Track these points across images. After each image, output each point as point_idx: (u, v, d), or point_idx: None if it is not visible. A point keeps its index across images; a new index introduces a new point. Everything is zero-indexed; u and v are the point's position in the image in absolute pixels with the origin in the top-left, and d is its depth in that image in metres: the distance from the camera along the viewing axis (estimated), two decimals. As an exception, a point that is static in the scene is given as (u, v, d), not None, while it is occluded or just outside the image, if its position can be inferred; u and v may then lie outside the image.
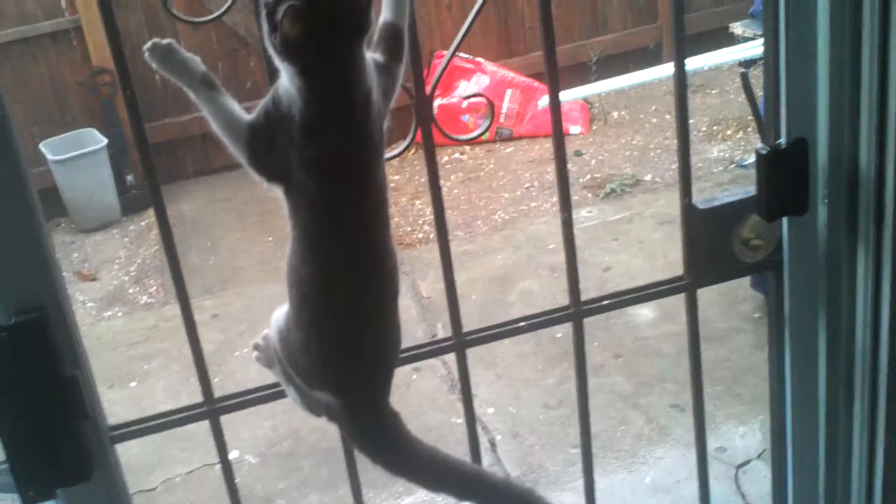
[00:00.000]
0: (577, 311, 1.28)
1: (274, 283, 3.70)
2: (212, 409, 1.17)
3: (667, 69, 4.68)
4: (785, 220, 1.26)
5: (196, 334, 1.16)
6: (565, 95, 5.06)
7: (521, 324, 1.28)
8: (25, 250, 0.98)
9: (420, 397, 3.11)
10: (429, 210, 4.57)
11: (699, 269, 1.30)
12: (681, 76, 1.23)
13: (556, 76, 1.18)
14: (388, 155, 1.09)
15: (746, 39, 3.39)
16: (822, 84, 1.19)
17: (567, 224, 1.25)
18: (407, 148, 1.25)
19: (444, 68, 1.31)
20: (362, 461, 3.14)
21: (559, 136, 1.22)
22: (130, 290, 4.29)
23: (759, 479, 2.35)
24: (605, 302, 1.31)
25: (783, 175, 1.21)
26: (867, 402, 1.28)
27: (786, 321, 1.31)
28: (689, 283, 1.30)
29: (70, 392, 1.01)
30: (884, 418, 1.26)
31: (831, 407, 1.33)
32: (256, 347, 1.17)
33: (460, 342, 1.23)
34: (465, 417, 1.32)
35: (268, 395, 1.20)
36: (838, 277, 1.26)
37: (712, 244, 1.28)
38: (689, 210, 1.27)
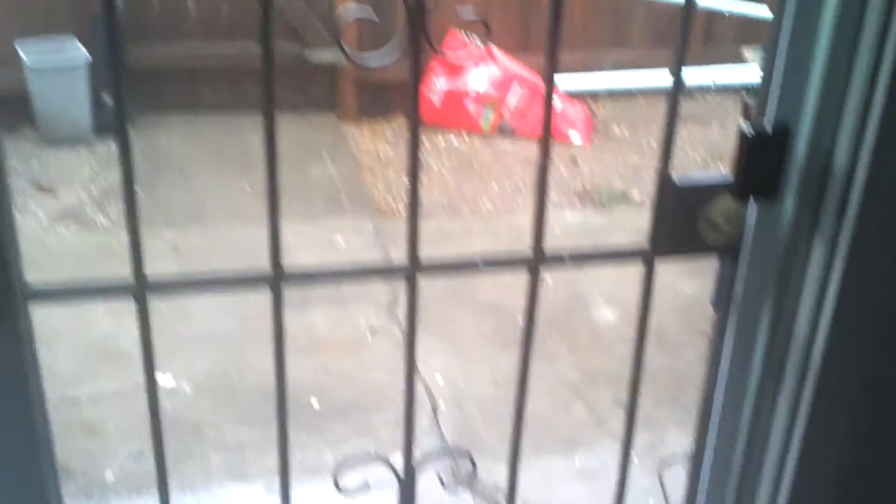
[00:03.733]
0: (536, 259, 1.29)
1: (243, 227, 3.70)
2: (140, 283, 1.16)
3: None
4: (752, 206, 1.28)
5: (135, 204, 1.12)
6: (563, 86, 5.08)
7: (478, 262, 1.29)
8: None
9: (373, 358, 3.13)
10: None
11: (662, 241, 1.32)
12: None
13: (553, 65, 1.17)
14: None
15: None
16: (815, 78, 1.21)
17: (542, 171, 1.27)
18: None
19: None
20: (300, 404, 3.17)
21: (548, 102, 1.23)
22: (89, 210, 4.20)
23: (683, 478, 2.40)
24: (566, 256, 1.32)
25: (762, 159, 1.23)
26: (793, 396, 1.31)
27: (732, 308, 1.33)
28: (649, 252, 1.32)
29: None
30: (805, 414, 1.29)
31: (759, 398, 1.36)
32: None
33: (413, 268, 1.24)
34: (406, 350, 1.33)
35: (199, 283, 1.19)
36: (791, 271, 1.29)
37: (680, 219, 1.31)
38: (664, 181, 1.29)
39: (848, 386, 1.31)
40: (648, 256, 1.33)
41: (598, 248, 1.37)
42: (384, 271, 1.24)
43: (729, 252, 1.33)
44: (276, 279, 1.19)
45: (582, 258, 1.35)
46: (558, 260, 1.32)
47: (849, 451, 1.36)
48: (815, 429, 1.32)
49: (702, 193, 1.28)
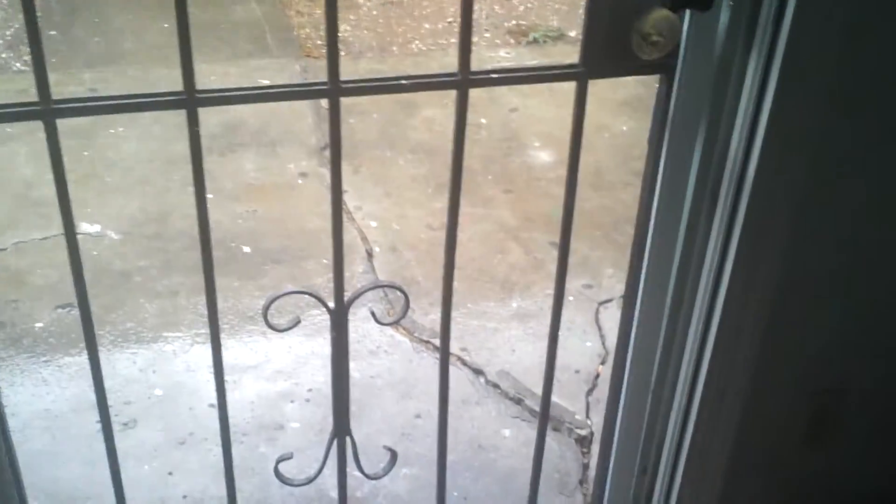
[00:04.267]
0: (463, 79, 1.23)
1: (161, 68, 3.54)
2: (47, 108, 1.08)
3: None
4: (686, 20, 1.23)
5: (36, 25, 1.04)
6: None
7: (403, 81, 1.23)
8: None
9: (304, 203, 3.07)
10: (344, 26, 4.42)
11: (594, 60, 1.26)
12: None
13: None
14: None
15: None
16: None
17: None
18: None
19: None
20: (231, 251, 3.10)
21: None
22: (3, 55, 4.00)
23: (618, 316, 2.45)
24: (494, 75, 1.27)
25: (695, -33, 1.17)
26: (728, 212, 1.30)
27: (667, 125, 1.30)
28: (582, 72, 1.27)
29: None
30: (740, 228, 1.29)
31: (691, 229, 1.36)
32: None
33: (335, 88, 1.17)
34: (332, 184, 1.28)
35: (109, 105, 1.12)
36: (725, 86, 1.26)
37: (612, 35, 1.25)
38: (594, -5, 1.22)
39: (780, 210, 1.30)
40: (581, 75, 1.27)
41: (527, 67, 1.31)
42: (304, 92, 1.17)
43: (662, 69, 1.29)
44: (191, 100, 1.11)
45: (511, 77, 1.30)
46: (486, 79, 1.27)
47: (780, 275, 1.37)
48: (747, 253, 1.32)
49: (634, 5, 1.22)
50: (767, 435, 1.57)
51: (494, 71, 1.26)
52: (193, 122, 1.13)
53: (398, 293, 1.46)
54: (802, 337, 1.48)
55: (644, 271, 1.45)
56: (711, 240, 1.35)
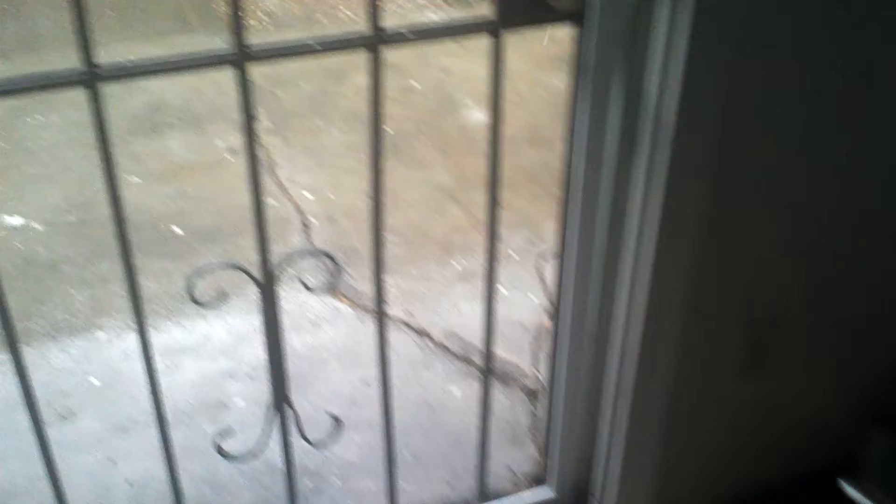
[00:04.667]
0: (375, 37, 1.20)
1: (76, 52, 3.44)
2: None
3: None
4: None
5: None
6: None
7: (313, 43, 1.19)
8: None
9: (234, 180, 3.01)
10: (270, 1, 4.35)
11: (508, 12, 1.24)
12: None
13: None
14: None
15: None
16: None
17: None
18: None
19: None
20: (161, 232, 3.03)
21: None
22: None
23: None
24: (406, 32, 1.24)
25: None
26: (650, 157, 1.31)
27: (584, 74, 1.30)
28: (495, 23, 1.25)
29: None
30: (665, 172, 1.29)
31: (616, 162, 1.36)
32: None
33: (241, 54, 1.14)
34: (246, 154, 1.25)
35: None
36: (637, 30, 1.26)
37: (524, -16, 1.23)
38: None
39: (701, 150, 1.31)
40: (494, 26, 1.25)
41: (442, 23, 1.29)
42: (209, 61, 1.13)
43: (576, 18, 1.28)
44: (90, 76, 1.08)
45: (425, 33, 1.27)
46: (400, 37, 1.24)
47: (707, 212, 1.38)
48: (672, 196, 1.32)
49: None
50: (704, 370, 1.59)
51: (406, 28, 1.24)
52: (95, 100, 1.09)
53: (339, 264, 1.45)
54: (733, 270, 1.49)
55: (575, 223, 1.45)
56: (637, 185, 1.35)
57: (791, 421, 1.80)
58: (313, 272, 2.55)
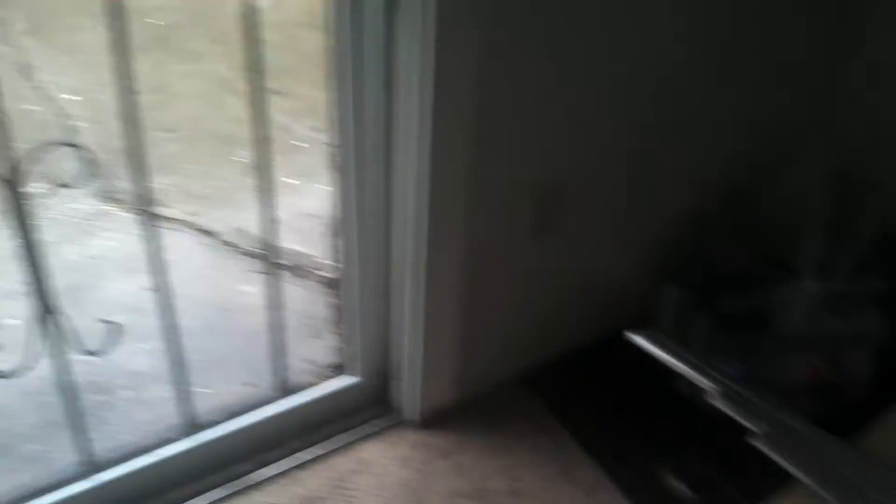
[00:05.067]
0: None
1: None
2: None
3: None
4: None
5: None
6: None
7: None
8: None
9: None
10: None
11: None
12: None
13: None
14: None
15: None
16: None
17: None
18: None
19: None
20: None
21: None
22: None
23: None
24: None
25: None
26: (421, 23, 1.24)
27: None
28: None
29: None
30: (433, 36, 1.23)
31: (383, 29, 1.29)
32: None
33: None
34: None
35: None
36: None
37: None
38: None
39: (471, 16, 1.26)
40: None
41: None
42: None
43: None
44: None
45: None
46: None
47: (487, 81, 1.34)
48: (444, 65, 1.26)
49: None
50: (498, 231, 1.58)
51: None
52: None
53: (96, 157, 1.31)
54: (515, 137, 1.48)
55: (348, 100, 1.38)
56: (406, 49, 1.29)
57: (587, 285, 1.84)
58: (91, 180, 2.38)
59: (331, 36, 1.33)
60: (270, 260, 1.55)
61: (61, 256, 2.08)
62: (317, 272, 2.12)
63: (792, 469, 1.13)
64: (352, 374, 1.75)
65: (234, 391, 1.79)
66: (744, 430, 1.18)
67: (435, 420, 1.75)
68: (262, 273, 1.54)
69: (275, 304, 1.55)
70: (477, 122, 1.37)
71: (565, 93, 1.49)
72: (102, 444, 1.54)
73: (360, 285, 1.60)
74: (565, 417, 1.78)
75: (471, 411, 1.78)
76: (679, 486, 1.62)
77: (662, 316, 1.84)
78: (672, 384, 1.46)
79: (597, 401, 1.82)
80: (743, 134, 1.85)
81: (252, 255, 2.17)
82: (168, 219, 2.21)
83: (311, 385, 1.77)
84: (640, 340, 1.33)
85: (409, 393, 1.69)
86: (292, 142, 2.52)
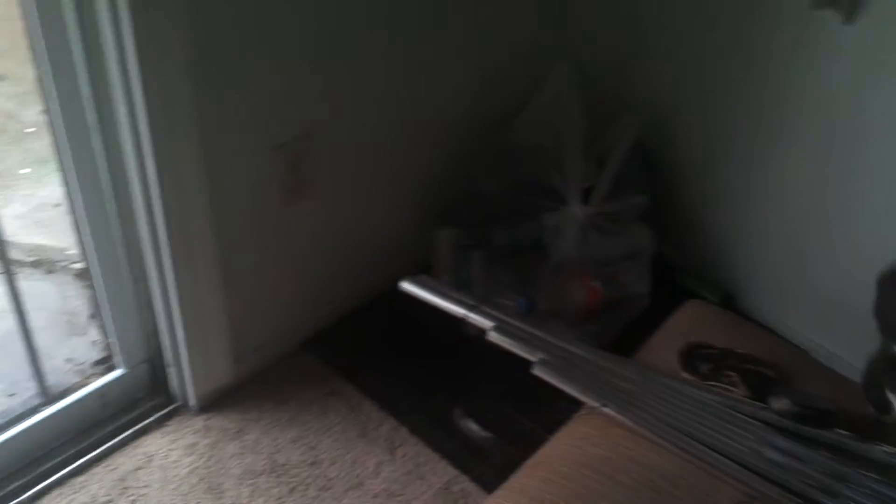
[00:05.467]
0: None
1: None
2: None
3: None
4: None
5: None
6: None
7: None
8: None
9: None
10: None
11: None
12: None
13: None
14: None
15: None
16: None
17: None
18: None
19: None
20: None
21: None
22: None
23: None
24: None
25: None
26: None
27: None
28: None
29: None
30: None
31: None
32: None
33: None
34: None
35: None
36: None
37: None
38: None
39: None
40: None
41: None
42: None
43: None
44: None
45: None
46: None
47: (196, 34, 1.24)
48: (145, 31, 1.15)
49: None
50: (249, 199, 1.50)
51: None
52: None
53: None
54: (253, 95, 1.38)
55: (48, 73, 1.23)
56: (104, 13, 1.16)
57: (360, 241, 1.79)
58: None
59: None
60: (4, 258, 1.38)
61: None
62: (69, 265, 1.94)
63: (572, 391, 1.13)
64: (119, 366, 1.62)
65: (-7, 406, 1.62)
66: (528, 362, 1.17)
67: (216, 401, 1.66)
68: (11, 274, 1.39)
69: (18, 306, 1.40)
70: (196, 84, 1.26)
71: (291, 42, 1.40)
72: None
73: (104, 273, 1.47)
74: (355, 378, 1.73)
75: (255, 387, 1.70)
76: (474, 427, 1.62)
77: (439, 259, 1.82)
78: (459, 327, 1.44)
79: (385, 356, 1.79)
80: (488, 64, 1.83)
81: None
82: None
83: (78, 385, 1.62)
84: (411, 288, 1.28)
85: (184, 378, 1.59)
86: (26, 130, 2.29)
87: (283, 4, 1.35)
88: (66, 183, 1.37)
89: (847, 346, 1.72)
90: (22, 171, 2.15)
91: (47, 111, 1.29)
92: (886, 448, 1.07)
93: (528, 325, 1.23)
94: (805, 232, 1.79)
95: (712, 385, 1.18)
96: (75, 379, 1.66)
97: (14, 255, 1.93)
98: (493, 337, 1.20)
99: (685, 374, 1.20)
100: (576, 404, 1.18)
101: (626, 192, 1.82)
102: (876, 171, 1.62)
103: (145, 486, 1.50)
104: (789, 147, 1.73)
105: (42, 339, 1.57)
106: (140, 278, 1.48)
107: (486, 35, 1.78)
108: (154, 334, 1.58)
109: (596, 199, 1.77)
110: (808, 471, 1.04)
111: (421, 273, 1.37)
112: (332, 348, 1.79)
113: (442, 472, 1.57)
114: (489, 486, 1.50)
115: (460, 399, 1.68)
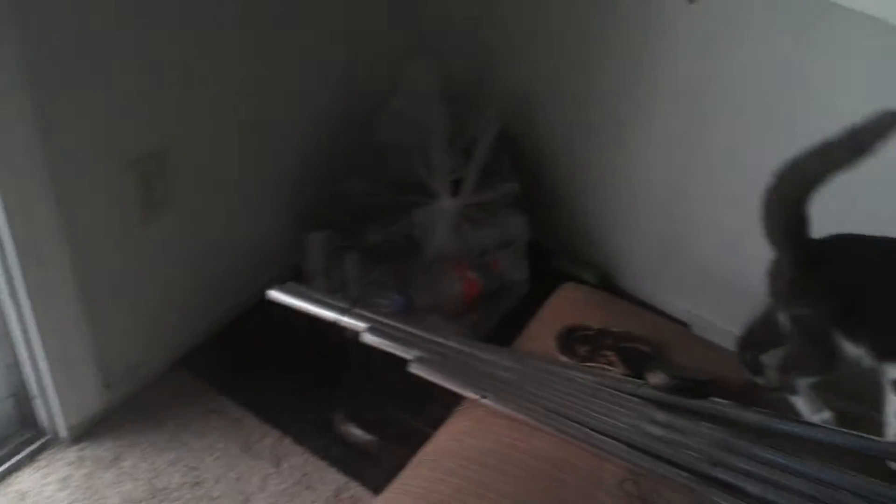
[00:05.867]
0: None
1: None
2: None
3: None
4: None
5: None
6: None
7: None
8: None
9: None
10: None
11: None
12: None
13: None
14: None
15: None
16: None
17: None
18: None
19: None
20: None
21: None
22: None
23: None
24: None
25: None
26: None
27: None
28: None
29: None
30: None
31: None
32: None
33: None
34: None
35: None
36: None
37: None
38: None
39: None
40: None
41: None
42: None
43: None
44: None
45: None
46: None
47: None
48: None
49: None
50: (104, 218, 1.43)
51: None
52: None
53: None
54: (95, 110, 1.31)
55: None
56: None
57: (227, 252, 1.73)
58: None
59: None
60: None
61: None
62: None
63: (450, 385, 1.12)
64: (-21, 408, 1.52)
65: None
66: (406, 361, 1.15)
67: (89, 430, 1.58)
68: None
69: None
70: (36, 98, 1.19)
71: (128, 57, 1.34)
72: None
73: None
74: (234, 392, 1.68)
75: (129, 411, 1.63)
76: (356, 432, 1.59)
77: (313, 263, 1.78)
78: (338, 332, 1.41)
79: (264, 367, 1.74)
80: (342, 64, 1.79)
81: None
82: None
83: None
84: (280, 296, 1.25)
85: (52, 409, 1.50)
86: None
87: (118, 19, 1.29)
88: None
89: (724, 316, 1.76)
90: None
91: None
92: (759, 410, 1.10)
93: (404, 322, 1.21)
94: (671, 208, 1.83)
95: (590, 366, 1.19)
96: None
97: None
98: (368, 338, 1.18)
99: (563, 358, 1.21)
100: (458, 398, 1.17)
101: (496, 181, 1.82)
102: (726, 146, 1.68)
103: (20, 527, 1.42)
104: (648, 127, 1.77)
105: None
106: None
107: (338, 35, 1.74)
108: (15, 366, 1.49)
109: (465, 190, 1.76)
110: (689, 442, 1.06)
111: (293, 279, 1.33)
112: (207, 364, 1.73)
113: (331, 479, 1.54)
114: (379, 489, 1.47)
115: (342, 404, 1.65)
